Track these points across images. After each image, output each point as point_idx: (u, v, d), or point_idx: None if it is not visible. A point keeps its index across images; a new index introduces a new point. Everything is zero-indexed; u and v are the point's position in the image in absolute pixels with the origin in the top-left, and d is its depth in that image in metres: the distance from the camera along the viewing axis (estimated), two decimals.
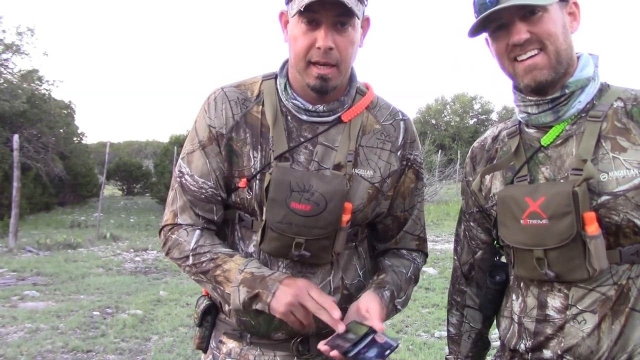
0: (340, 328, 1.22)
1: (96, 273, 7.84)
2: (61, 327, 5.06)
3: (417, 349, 4.47)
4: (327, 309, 1.23)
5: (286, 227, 1.31)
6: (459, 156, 23.74)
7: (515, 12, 1.20)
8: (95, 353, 4.45)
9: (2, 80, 16.68)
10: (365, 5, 1.35)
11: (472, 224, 1.46)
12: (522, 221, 1.21)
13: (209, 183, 1.40)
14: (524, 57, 1.21)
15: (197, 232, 1.39)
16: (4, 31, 18.26)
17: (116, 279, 7.42)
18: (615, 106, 1.24)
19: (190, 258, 1.36)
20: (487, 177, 1.37)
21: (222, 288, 1.33)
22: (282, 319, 1.27)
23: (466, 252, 1.50)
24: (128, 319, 5.30)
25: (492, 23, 1.23)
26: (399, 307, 1.41)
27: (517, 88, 1.31)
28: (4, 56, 17.04)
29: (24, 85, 17.04)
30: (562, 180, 1.22)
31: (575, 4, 1.27)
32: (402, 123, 1.46)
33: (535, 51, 1.20)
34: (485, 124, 37.64)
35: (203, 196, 1.40)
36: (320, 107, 1.38)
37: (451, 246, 10.17)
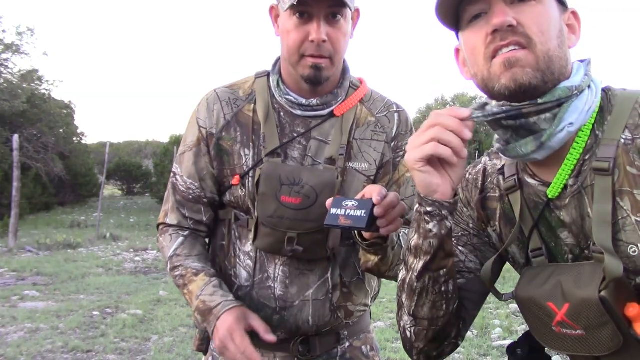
0: None
1: (96, 273, 7.84)
2: (61, 327, 5.05)
3: None
4: (246, 356, 1.26)
5: (277, 221, 1.31)
6: None
7: None
8: (95, 353, 4.45)
9: (2, 80, 16.68)
10: None
11: (460, 248, 1.15)
12: (554, 329, 0.96)
13: (195, 184, 1.43)
14: (505, 50, 0.91)
15: (180, 239, 1.43)
16: (4, 31, 18.31)
17: (116, 279, 7.42)
18: (623, 141, 0.91)
19: (168, 266, 1.44)
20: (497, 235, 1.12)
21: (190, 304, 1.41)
22: None
23: None
24: (128, 319, 5.30)
25: (470, 6, 0.95)
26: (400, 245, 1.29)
27: (491, 95, 0.99)
28: (4, 56, 17.05)
29: (24, 85, 17.06)
30: (586, 253, 0.97)
31: (575, 14, 1.00)
32: (396, 115, 1.46)
33: (519, 46, 0.91)
34: (485, 124, 37.56)
35: (190, 197, 1.44)
36: (314, 101, 1.38)
37: None
